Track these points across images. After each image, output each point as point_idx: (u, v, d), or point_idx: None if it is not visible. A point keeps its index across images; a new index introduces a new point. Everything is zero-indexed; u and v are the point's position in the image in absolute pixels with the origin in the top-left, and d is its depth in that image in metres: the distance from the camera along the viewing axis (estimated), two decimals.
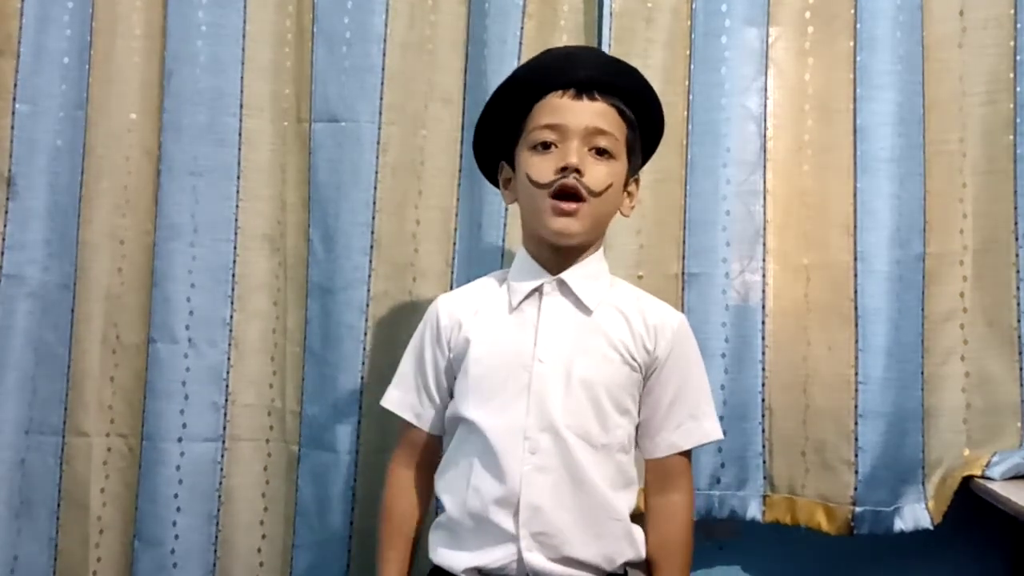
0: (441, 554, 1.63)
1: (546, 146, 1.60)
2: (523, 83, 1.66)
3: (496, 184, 1.77)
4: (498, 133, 1.70)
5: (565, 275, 1.64)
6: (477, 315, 1.68)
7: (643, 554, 1.64)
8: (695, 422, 1.66)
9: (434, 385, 1.70)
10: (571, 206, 1.58)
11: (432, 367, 1.70)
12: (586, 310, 1.63)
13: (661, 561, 1.64)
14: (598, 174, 1.59)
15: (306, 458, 2.10)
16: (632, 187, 1.70)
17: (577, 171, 1.57)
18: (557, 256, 1.64)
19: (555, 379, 1.59)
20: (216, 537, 2.10)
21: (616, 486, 1.60)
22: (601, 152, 1.60)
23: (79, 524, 2.11)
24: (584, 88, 1.61)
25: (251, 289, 2.11)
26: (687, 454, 1.68)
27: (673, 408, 1.65)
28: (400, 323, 2.07)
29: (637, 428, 1.67)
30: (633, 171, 1.68)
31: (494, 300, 1.69)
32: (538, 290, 1.65)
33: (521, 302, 1.65)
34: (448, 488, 1.64)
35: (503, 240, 2.05)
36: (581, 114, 1.60)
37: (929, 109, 2.01)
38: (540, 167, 1.60)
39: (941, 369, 2.02)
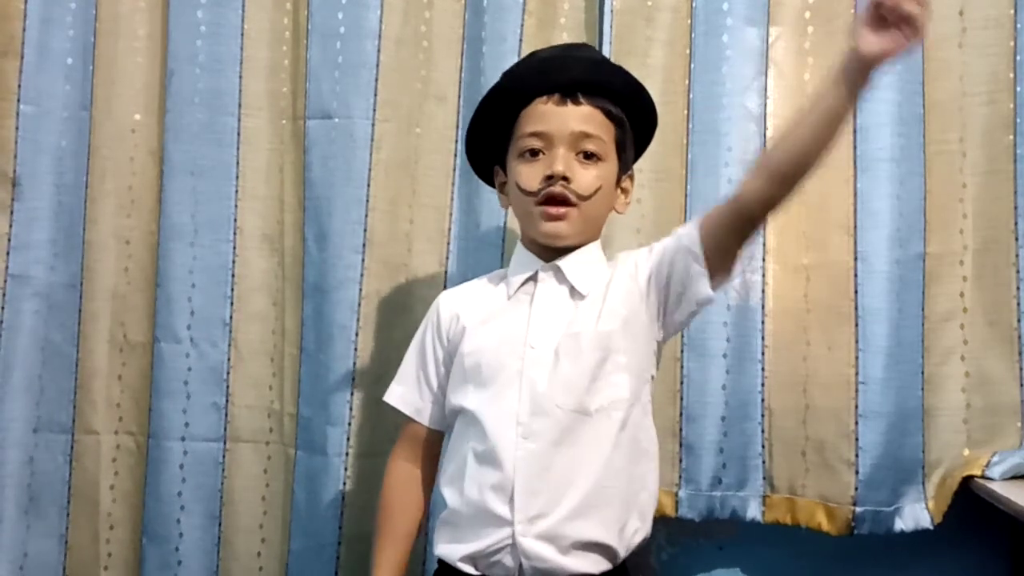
0: (442, 547, 1.61)
1: (534, 153, 1.60)
2: (508, 91, 1.66)
3: (493, 185, 1.76)
4: (489, 139, 1.69)
5: (559, 261, 1.62)
6: (475, 308, 1.67)
7: (647, 528, 1.61)
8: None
9: (435, 379, 1.69)
10: (559, 210, 1.58)
11: (433, 361, 1.69)
12: (579, 295, 1.61)
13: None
14: (586, 179, 1.58)
15: (301, 461, 2.08)
16: (626, 183, 1.69)
17: (564, 178, 1.56)
18: (553, 252, 1.63)
19: (545, 363, 1.57)
20: (219, 539, 2.10)
21: (616, 451, 1.56)
22: (589, 156, 1.59)
23: (89, 520, 2.11)
24: (568, 92, 1.60)
25: (250, 290, 2.11)
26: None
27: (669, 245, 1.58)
28: (393, 323, 2.06)
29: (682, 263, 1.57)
30: (625, 168, 1.67)
31: (492, 294, 1.68)
32: (532, 278, 1.64)
33: (517, 291, 1.64)
34: (449, 481, 1.63)
35: (503, 238, 2.03)
36: (566, 119, 1.59)
37: (929, 109, 1.99)
38: (528, 175, 1.60)
39: (941, 369, 2.00)
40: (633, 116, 1.66)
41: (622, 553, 1.56)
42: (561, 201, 1.57)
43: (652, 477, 1.62)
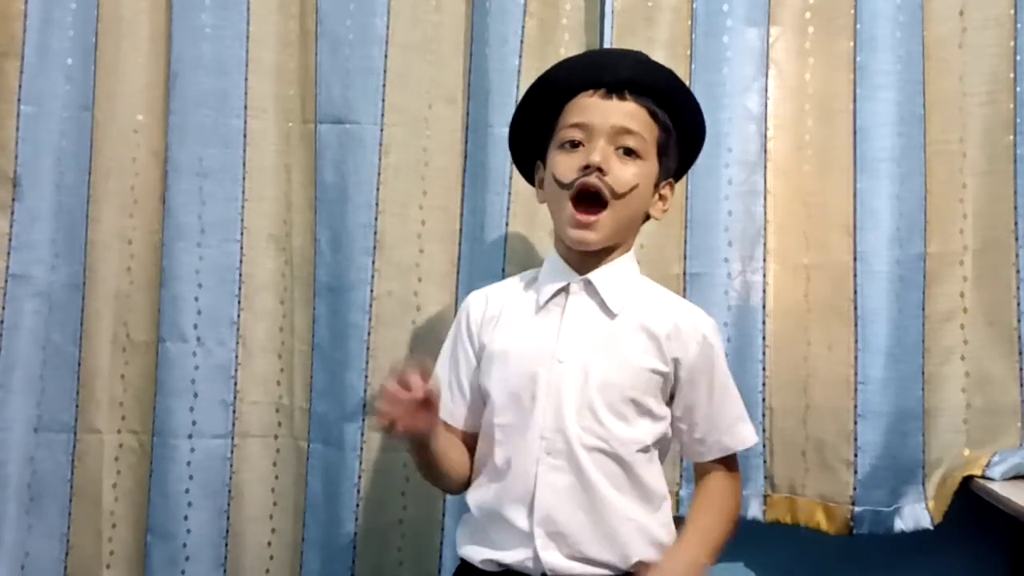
0: (463, 547, 1.58)
1: (574, 145, 1.55)
2: (554, 83, 1.62)
3: (532, 182, 1.71)
4: (532, 133, 1.65)
5: (592, 275, 1.57)
6: (503, 313, 1.62)
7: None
8: (739, 425, 1.62)
9: (466, 382, 1.62)
10: (589, 218, 1.53)
11: (464, 363, 1.63)
12: (610, 312, 1.56)
13: (695, 514, 1.60)
14: (623, 174, 1.53)
15: (315, 455, 2.06)
16: (666, 190, 1.63)
17: (600, 170, 1.51)
18: (585, 257, 1.58)
19: (572, 380, 1.52)
20: (227, 531, 2.06)
21: (633, 490, 1.53)
22: (628, 152, 1.54)
23: (91, 519, 2.07)
24: (614, 88, 1.56)
25: (258, 288, 2.08)
26: (734, 457, 1.64)
27: (717, 413, 1.59)
28: (403, 323, 2.04)
29: (678, 430, 1.60)
30: (666, 174, 1.61)
31: (522, 300, 1.62)
32: (564, 290, 1.58)
33: (547, 302, 1.59)
34: (474, 486, 1.59)
35: (504, 240, 1.99)
36: (609, 113, 1.55)
37: (929, 109, 1.96)
38: (565, 165, 1.55)
39: (941, 369, 1.97)
40: (680, 122, 1.62)
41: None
42: (594, 200, 1.52)
43: (657, 504, 1.57)
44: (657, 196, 1.61)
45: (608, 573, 1.51)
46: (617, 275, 1.59)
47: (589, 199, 1.53)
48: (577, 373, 1.52)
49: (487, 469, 1.55)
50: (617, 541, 1.50)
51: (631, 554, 1.51)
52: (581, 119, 1.55)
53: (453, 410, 1.62)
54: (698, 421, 1.58)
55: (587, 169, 1.51)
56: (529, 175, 1.72)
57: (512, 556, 1.50)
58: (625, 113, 1.54)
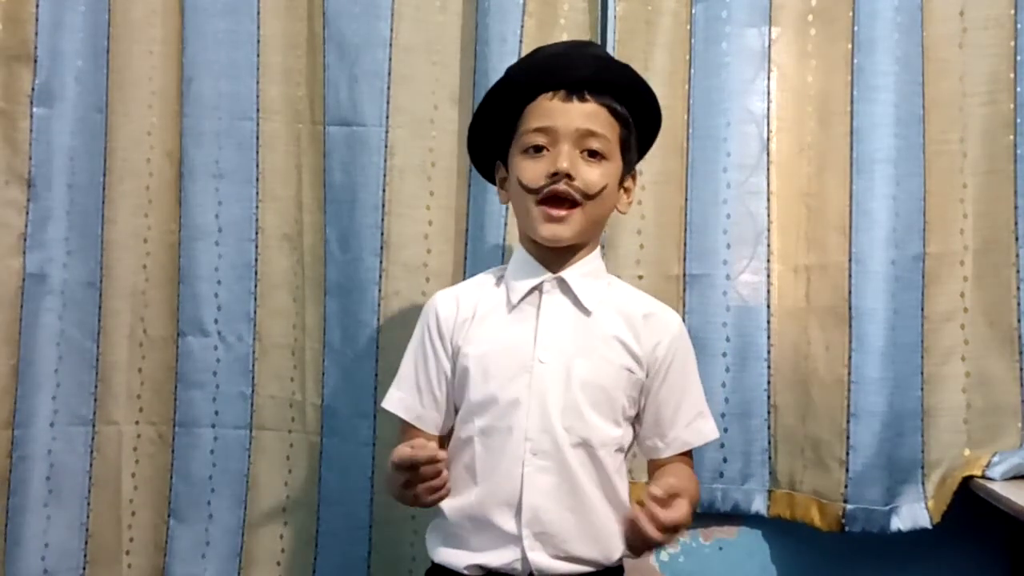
0: (441, 553, 1.53)
1: (537, 149, 1.50)
2: (514, 85, 1.56)
3: (493, 182, 1.67)
4: (492, 134, 1.60)
5: (565, 274, 1.53)
6: (475, 314, 1.56)
7: None
8: (702, 420, 1.58)
9: (437, 383, 1.57)
10: (560, 212, 1.48)
11: (434, 365, 1.57)
12: (585, 310, 1.53)
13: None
14: (591, 177, 1.49)
15: (328, 449, 2.05)
16: (629, 183, 1.59)
17: (568, 176, 1.47)
18: (553, 254, 1.53)
19: (555, 380, 1.49)
20: (244, 519, 2.07)
21: (613, 487, 1.50)
22: (593, 154, 1.50)
23: (111, 507, 2.08)
24: (574, 89, 1.51)
25: (272, 287, 2.08)
26: (690, 453, 1.60)
27: (681, 408, 1.55)
28: (412, 323, 1.96)
29: (638, 428, 1.57)
30: (628, 168, 1.57)
31: (492, 298, 1.58)
32: (537, 288, 1.54)
33: (520, 301, 1.54)
34: (451, 489, 1.52)
35: (503, 239, 1.97)
36: (571, 116, 1.49)
37: (929, 109, 1.91)
38: (531, 171, 1.50)
39: (941, 369, 1.92)
40: (638, 114, 1.57)
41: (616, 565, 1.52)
42: (564, 201, 1.48)
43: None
44: (622, 190, 1.58)
45: (592, 570, 1.48)
46: (587, 272, 1.55)
47: (557, 201, 1.49)
48: (559, 373, 1.49)
49: (465, 474, 1.51)
50: (601, 539, 1.48)
51: (613, 552, 1.49)
52: (544, 123, 1.50)
53: (423, 414, 1.58)
54: (659, 417, 1.55)
55: (555, 176, 1.47)
56: (487, 173, 1.68)
57: (498, 559, 1.47)
58: (587, 115, 1.50)
